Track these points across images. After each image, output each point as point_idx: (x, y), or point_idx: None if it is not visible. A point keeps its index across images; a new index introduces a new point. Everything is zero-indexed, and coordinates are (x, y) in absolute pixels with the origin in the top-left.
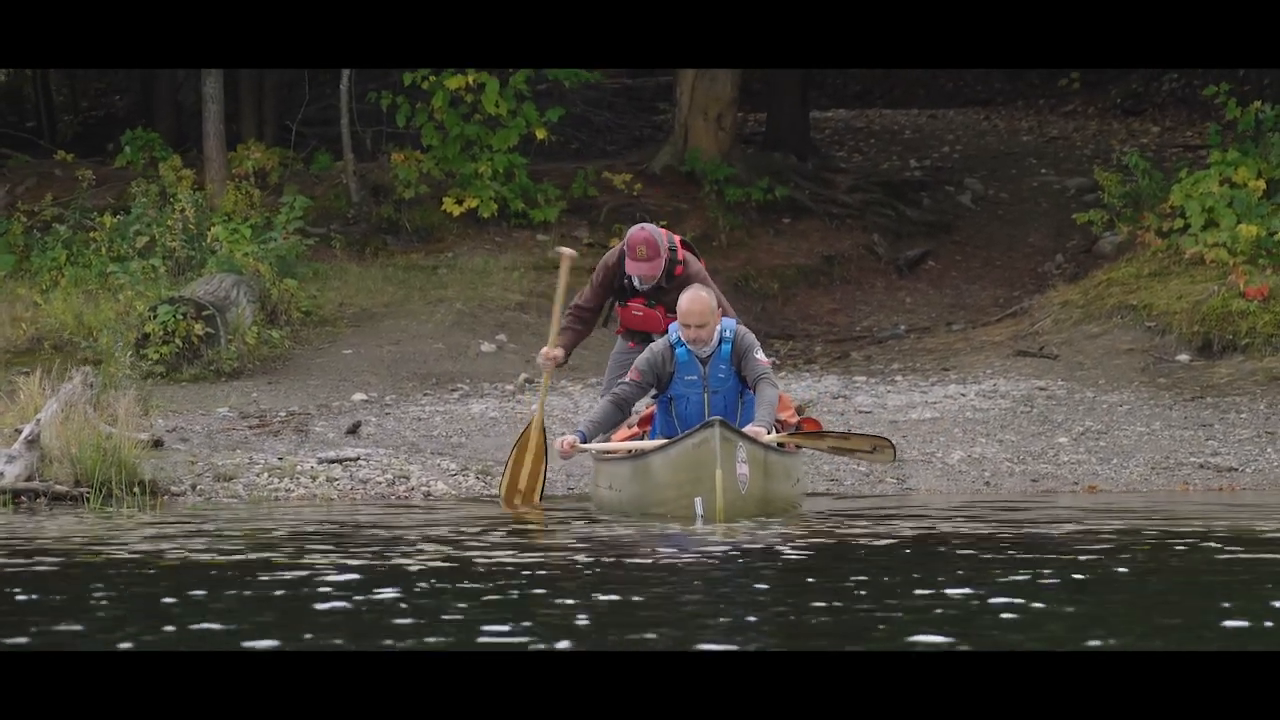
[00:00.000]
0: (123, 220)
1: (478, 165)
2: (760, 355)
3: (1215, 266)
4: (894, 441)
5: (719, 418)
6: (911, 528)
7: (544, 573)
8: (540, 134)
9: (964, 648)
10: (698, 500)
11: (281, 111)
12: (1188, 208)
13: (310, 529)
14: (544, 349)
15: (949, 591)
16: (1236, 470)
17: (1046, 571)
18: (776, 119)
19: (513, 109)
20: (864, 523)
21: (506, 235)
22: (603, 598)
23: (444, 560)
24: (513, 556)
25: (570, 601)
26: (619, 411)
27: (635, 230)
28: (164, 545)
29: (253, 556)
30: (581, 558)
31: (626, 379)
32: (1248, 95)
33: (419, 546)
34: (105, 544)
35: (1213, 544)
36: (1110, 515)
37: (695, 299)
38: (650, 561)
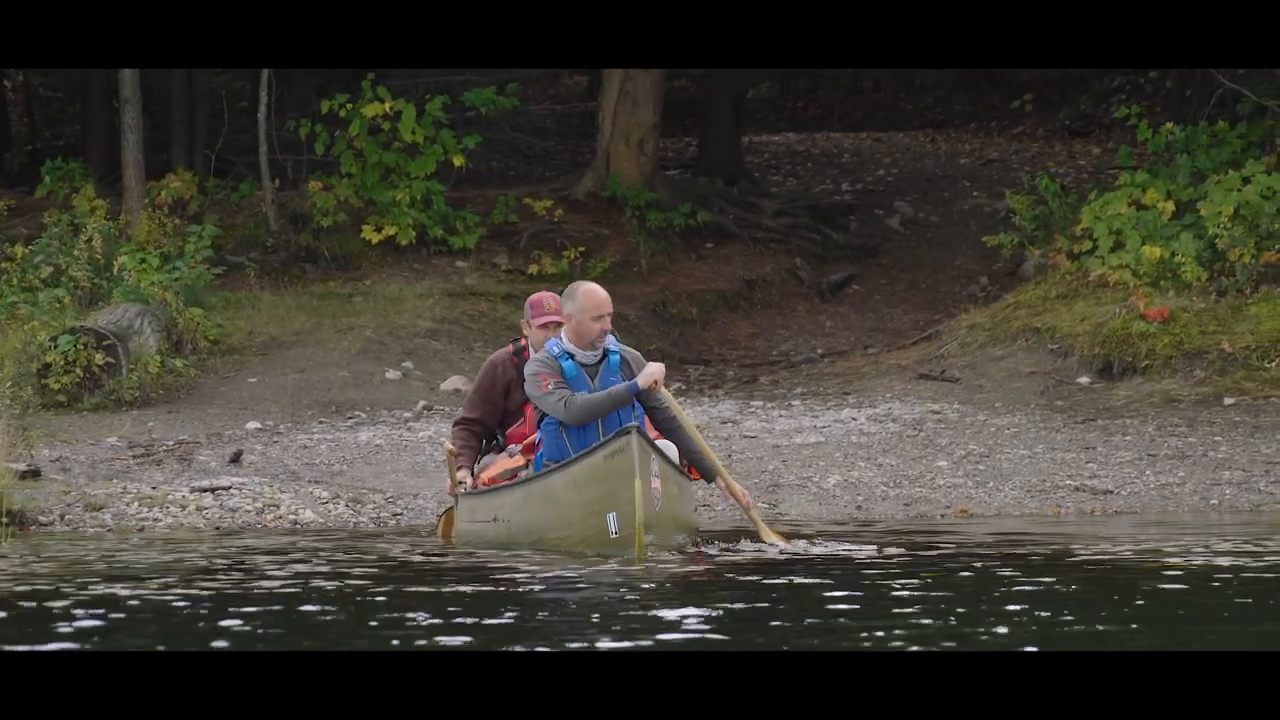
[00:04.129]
0: (31, 250)
1: (395, 193)
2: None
3: (1120, 289)
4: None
5: (635, 425)
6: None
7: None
8: (458, 161)
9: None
10: (611, 515)
11: (212, 141)
12: (1096, 229)
13: (130, 559)
14: (461, 477)
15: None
16: (1111, 493)
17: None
18: (708, 144)
19: (430, 136)
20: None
21: (426, 262)
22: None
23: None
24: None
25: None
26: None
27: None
28: None
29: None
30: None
31: (552, 385)
32: (1161, 116)
33: (217, 576)
34: None
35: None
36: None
37: (596, 288)
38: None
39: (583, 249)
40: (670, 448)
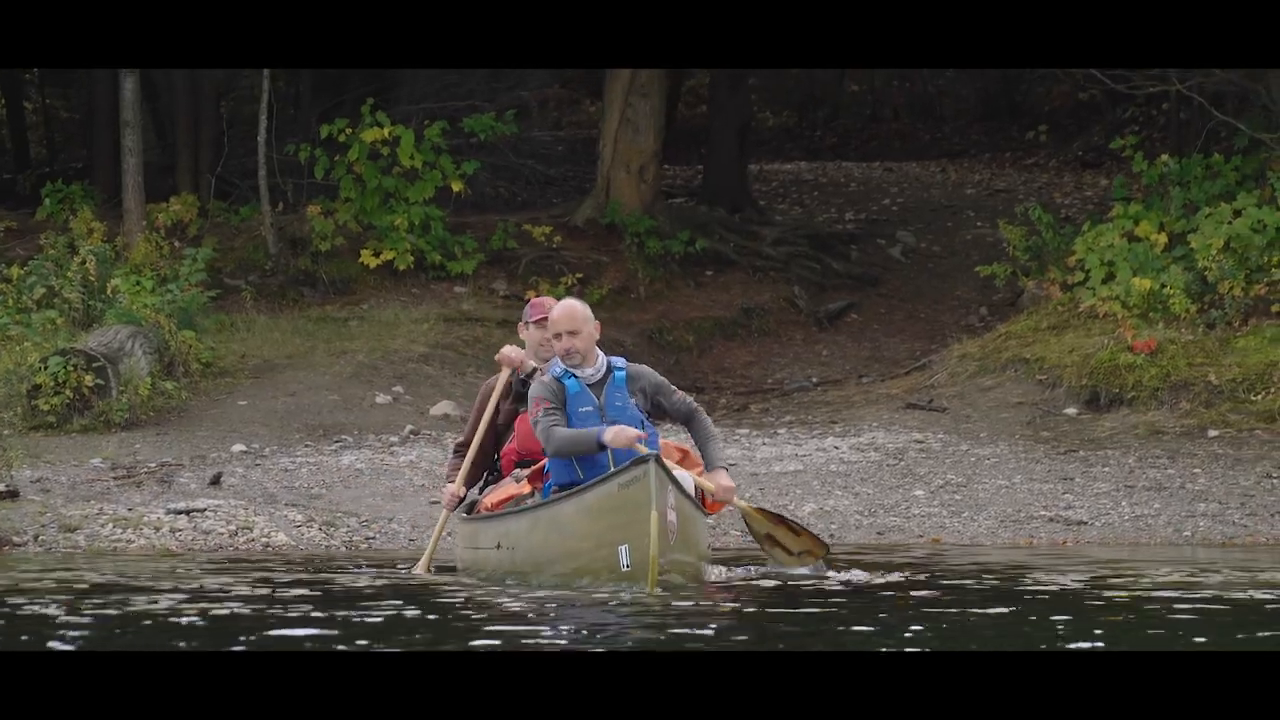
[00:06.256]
0: (25, 272)
1: (394, 218)
2: (679, 392)
3: (1110, 320)
4: (828, 546)
5: (654, 453)
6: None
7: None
8: (456, 186)
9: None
10: (622, 548)
11: (215, 164)
12: (1088, 260)
13: (77, 578)
14: (449, 487)
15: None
16: (1085, 524)
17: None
18: (713, 171)
19: (429, 161)
20: None
21: (424, 288)
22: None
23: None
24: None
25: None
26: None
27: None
28: None
29: None
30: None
31: (542, 412)
32: (1165, 149)
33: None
34: None
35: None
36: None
37: (566, 305)
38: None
39: (580, 275)
40: (686, 478)
